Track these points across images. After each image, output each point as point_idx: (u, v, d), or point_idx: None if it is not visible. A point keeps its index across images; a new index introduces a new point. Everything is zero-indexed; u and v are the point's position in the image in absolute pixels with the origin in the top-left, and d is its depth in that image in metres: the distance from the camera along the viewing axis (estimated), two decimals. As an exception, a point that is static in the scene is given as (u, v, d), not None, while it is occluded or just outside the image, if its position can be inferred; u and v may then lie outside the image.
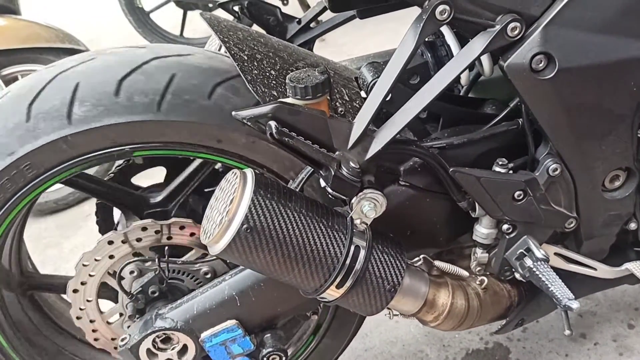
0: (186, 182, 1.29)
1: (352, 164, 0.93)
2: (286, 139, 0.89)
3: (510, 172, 1.08)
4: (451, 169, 1.03)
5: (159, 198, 1.27)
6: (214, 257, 1.19)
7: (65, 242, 2.60)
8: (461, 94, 1.30)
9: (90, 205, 2.72)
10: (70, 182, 1.23)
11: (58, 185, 2.91)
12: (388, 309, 1.06)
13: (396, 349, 1.75)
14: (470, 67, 1.10)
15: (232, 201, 0.89)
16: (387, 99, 1.03)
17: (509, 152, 1.12)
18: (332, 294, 0.97)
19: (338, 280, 0.95)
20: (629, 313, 1.72)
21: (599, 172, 1.10)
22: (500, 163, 1.08)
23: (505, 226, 1.11)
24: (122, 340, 1.17)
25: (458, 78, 1.07)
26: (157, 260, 1.16)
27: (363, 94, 1.20)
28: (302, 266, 0.92)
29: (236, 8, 1.45)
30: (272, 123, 0.89)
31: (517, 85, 1.00)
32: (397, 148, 1.03)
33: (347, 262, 0.94)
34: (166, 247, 1.17)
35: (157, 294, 1.19)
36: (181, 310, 1.14)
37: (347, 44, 3.84)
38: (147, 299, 1.19)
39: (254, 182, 0.90)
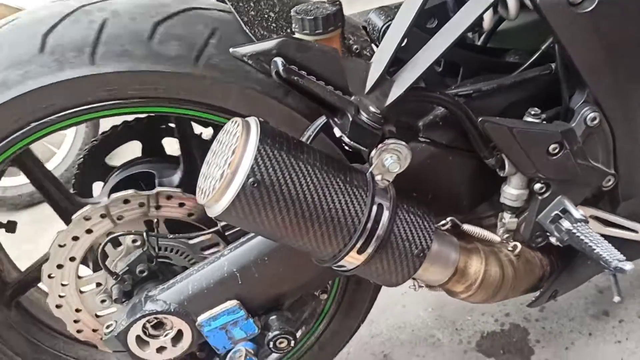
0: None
1: (372, 109, 0.80)
2: (295, 78, 0.76)
3: (544, 122, 0.96)
4: (480, 119, 0.91)
5: None
6: (211, 231, 1.05)
7: (41, 236, 2.45)
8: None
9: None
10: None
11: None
12: (414, 279, 0.94)
13: (405, 335, 1.63)
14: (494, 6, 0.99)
15: (235, 152, 0.75)
16: (403, 44, 0.91)
17: (540, 103, 1.00)
18: (352, 260, 0.84)
19: (360, 244, 0.82)
20: (653, 287, 1.61)
21: (642, 121, 0.99)
22: (532, 113, 0.96)
23: (537, 185, 0.99)
24: (107, 327, 1.03)
25: (481, 19, 0.95)
26: (144, 235, 1.01)
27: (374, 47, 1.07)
28: (319, 228, 0.79)
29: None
30: (279, 60, 0.76)
31: (552, 22, 0.88)
32: (420, 95, 0.90)
33: (370, 222, 0.81)
34: (155, 220, 1.03)
35: (146, 274, 1.04)
36: (174, 291, 1.01)
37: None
38: (134, 280, 1.05)
39: (259, 130, 0.77)
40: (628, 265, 0.89)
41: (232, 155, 0.75)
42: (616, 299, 1.02)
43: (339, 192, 0.79)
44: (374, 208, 0.82)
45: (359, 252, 0.82)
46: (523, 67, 1.00)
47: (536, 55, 1.00)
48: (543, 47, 1.00)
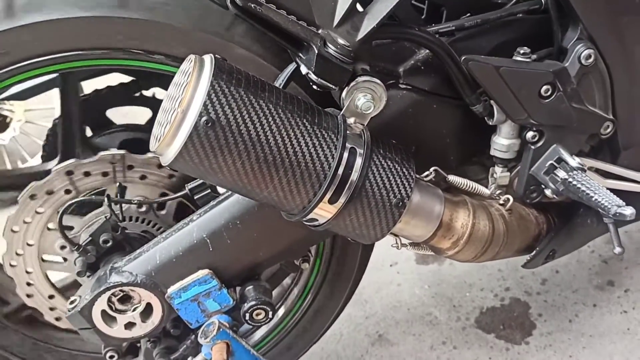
0: None
1: (341, 41, 0.73)
2: (253, 6, 0.68)
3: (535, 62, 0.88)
4: (463, 58, 0.83)
5: None
6: (178, 195, 0.98)
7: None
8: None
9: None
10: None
11: (19, 172, 2.70)
12: (395, 235, 0.86)
13: (400, 314, 1.55)
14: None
15: (186, 89, 0.67)
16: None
17: (530, 45, 0.92)
18: (323, 213, 0.76)
19: (330, 192, 0.74)
20: (659, 255, 1.53)
21: (641, 59, 0.91)
22: (521, 52, 0.88)
23: (530, 134, 0.92)
24: (71, 303, 0.95)
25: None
26: (106, 200, 0.94)
27: None
28: (284, 174, 0.71)
29: None
30: (234, -14, 0.68)
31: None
32: (396, 32, 0.82)
33: (341, 168, 0.73)
34: (118, 184, 0.95)
35: (110, 244, 0.97)
36: (141, 261, 0.93)
37: None
38: (99, 251, 0.97)
39: (213, 65, 0.69)
40: (628, 210, 0.81)
41: (183, 93, 0.67)
42: (617, 250, 0.93)
43: (305, 134, 0.72)
44: (345, 153, 0.74)
45: (331, 201, 0.74)
46: (512, 2, 0.92)
47: (525, -10, 0.92)
48: (532, -19, 0.92)
